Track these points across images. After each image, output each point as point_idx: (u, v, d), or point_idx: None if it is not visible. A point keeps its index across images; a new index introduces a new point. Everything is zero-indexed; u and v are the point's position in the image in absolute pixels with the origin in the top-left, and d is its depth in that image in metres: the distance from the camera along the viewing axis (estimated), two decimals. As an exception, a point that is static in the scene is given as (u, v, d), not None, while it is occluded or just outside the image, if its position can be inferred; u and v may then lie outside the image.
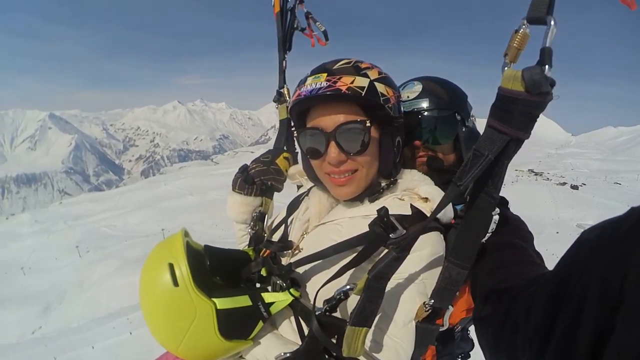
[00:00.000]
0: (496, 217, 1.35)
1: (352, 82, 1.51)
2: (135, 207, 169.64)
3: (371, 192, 1.70)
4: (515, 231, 1.74)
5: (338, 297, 1.42)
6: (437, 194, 1.59)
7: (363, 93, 1.51)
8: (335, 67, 1.59)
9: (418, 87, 2.06)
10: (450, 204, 1.54)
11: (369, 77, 1.55)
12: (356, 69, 1.57)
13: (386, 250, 1.35)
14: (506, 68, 1.13)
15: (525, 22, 1.08)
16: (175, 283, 1.45)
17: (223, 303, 1.51)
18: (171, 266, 1.48)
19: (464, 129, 2.04)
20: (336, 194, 1.73)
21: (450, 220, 1.60)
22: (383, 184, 1.73)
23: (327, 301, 1.46)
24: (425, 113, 2.01)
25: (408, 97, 2.05)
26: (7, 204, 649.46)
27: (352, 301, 1.39)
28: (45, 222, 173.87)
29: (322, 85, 1.53)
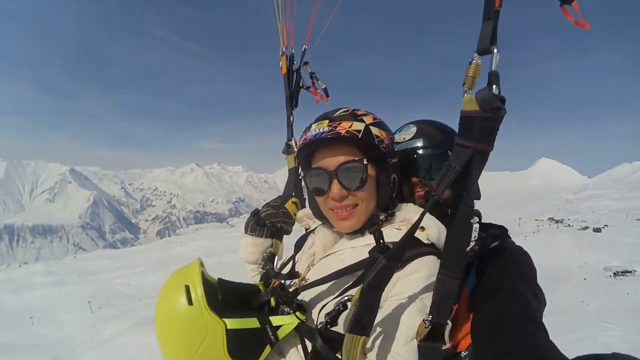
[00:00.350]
0: (476, 226, 1.41)
1: (350, 127, 1.72)
2: (150, 267, 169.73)
3: (371, 224, 1.79)
4: (516, 266, 1.79)
5: (337, 308, 1.53)
6: (432, 223, 1.71)
7: (360, 135, 1.71)
8: (335, 114, 1.81)
9: (413, 129, 2.24)
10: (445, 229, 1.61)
11: (364, 122, 1.76)
12: (353, 116, 1.79)
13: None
14: (465, 95, 1.31)
15: (476, 54, 1.26)
16: (190, 302, 1.53)
17: (233, 323, 1.58)
18: (187, 288, 1.56)
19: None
20: (339, 227, 1.89)
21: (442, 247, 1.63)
22: (382, 217, 1.87)
23: (327, 314, 1.56)
24: (420, 151, 2.18)
25: (404, 138, 2.23)
26: (21, 252, 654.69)
27: (351, 315, 1.47)
28: (59, 274, 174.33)
29: (324, 130, 1.74)
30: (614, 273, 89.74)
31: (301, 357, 1.72)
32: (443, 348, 1.48)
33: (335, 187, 1.77)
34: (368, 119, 1.79)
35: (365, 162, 1.74)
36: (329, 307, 1.59)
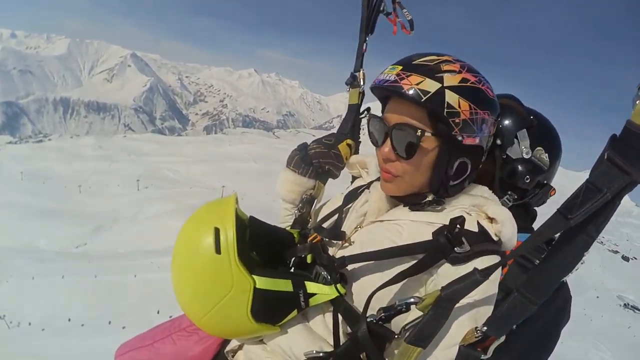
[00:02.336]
0: (585, 258, 1.26)
1: (417, 84, 1.38)
2: (199, 158, 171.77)
3: (412, 202, 1.59)
4: (563, 308, 1.93)
5: (399, 308, 1.34)
6: (506, 217, 1.49)
7: (424, 98, 1.37)
8: (415, 61, 1.47)
9: None
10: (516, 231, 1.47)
11: (442, 83, 1.38)
12: (433, 70, 1.42)
13: (446, 263, 1.36)
14: (638, 101, 0.96)
15: None
16: (218, 250, 1.36)
17: (263, 283, 1.42)
18: (217, 231, 1.38)
19: (504, 156, 2.04)
20: (381, 186, 1.65)
21: (511, 248, 1.52)
22: (427, 199, 1.58)
23: (384, 309, 1.37)
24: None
25: None
26: (73, 124, 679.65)
27: (409, 315, 1.35)
28: (109, 149, 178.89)
29: (390, 78, 1.45)
30: (625, 304, 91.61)
31: (327, 326, 1.56)
32: (483, 358, 1.37)
33: (387, 146, 1.52)
34: (451, 80, 1.39)
35: (419, 133, 1.42)
36: (383, 297, 1.41)
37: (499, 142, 1.99)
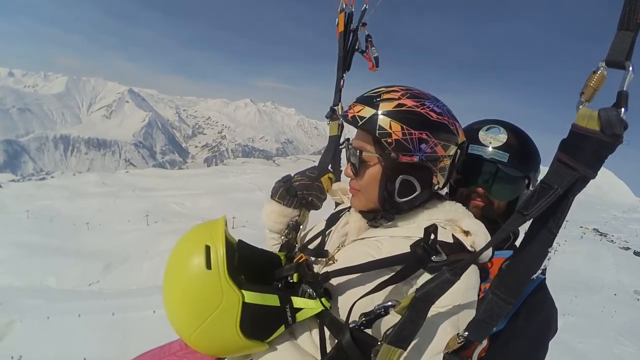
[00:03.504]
0: (550, 254, 1.32)
1: (358, 111, 1.59)
2: (204, 191, 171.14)
3: (371, 217, 1.76)
4: (548, 320, 2.02)
5: (379, 312, 1.40)
6: (479, 230, 1.59)
7: (360, 122, 1.57)
8: (366, 94, 1.66)
9: (503, 137, 2.15)
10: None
11: (376, 109, 1.56)
12: (372, 98, 1.61)
13: (425, 273, 1.41)
14: (581, 106, 1.12)
15: (603, 64, 1.08)
16: (209, 266, 1.41)
17: (251, 297, 1.45)
18: (208, 248, 1.43)
19: (525, 192, 2.19)
20: (350, 201, 1.85)
21: (487, 259, 1.60)
22: (379, 215, 1.74)
23: (365, 315, 1.43)
24: (502, 167, 2.12)
25: (490, 142, 2.15)
26: (74, 161, 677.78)
27: (389, 320, 1.39)
28: (113, 186, 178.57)
29: (345, 109, 1.68)
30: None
31: (314, 342, 1.61)
32: None
33: (349, 165, 1.74)
34: (386, 106, 1.56)
35: (358, 152, 1.65)
36: (365, 305, 1.45)
37: (527, 181, 2.19)
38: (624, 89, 1.04)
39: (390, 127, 1.53)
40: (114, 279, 70.83)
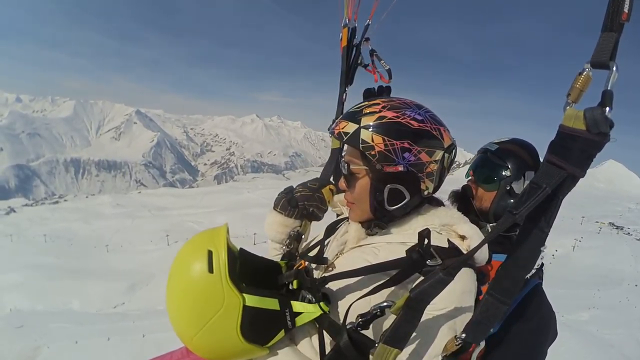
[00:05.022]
0: (543, 253, 1.38)
1: (343, 128, 1.64)
2: (221, 208, 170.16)
3: (367, 227, 1.81)
4: (545, 325, 2.06)
5: (374, 312, 1.41)
6: (475, 234, 1.62)
7: (344, 138, 1.62)
8: (350, 110, 1.72)
9: (505, 139, 2.42)
10: (487, 247, 1.56)
11: (359, 124, 1.61)
12: (354, 114, 1.66)
13: (421, 278, 1.37)
14: (568, 107, 1.16)
15: (588, 65, 1.10)
16: (211, 270, 1.44)
17: (252, 300, 1.48)
18: (210, 253, 1.47)
19: (507, 187, 2.30)
20: (348, 214, 1.90)
21: (483, 262, 1.62)
22: (373, 224, 1.80)
23: (361, 316, 1.44)
24: (489, 154, 2.37)
25: (494, 140, 2.43)
26: (86, 183, 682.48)
27: (385, 322, 1.45)
28: (127, 207, 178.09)
29: (332, 125, 1.73)
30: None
31: (313, 347, 1.63)
32: None
33: (343, 179, 1.80)
34: (367, 120, 1.62)
35: (347, 165, 1.71)
36: (362, 307, 1.47)
37: (508, 173, 2.30)
38: (609, 88, 1.07)
39: (372, 140, 1.58)
40: (140, 300, 69.48)
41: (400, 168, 1.61)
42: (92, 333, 47.53)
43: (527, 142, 2.38)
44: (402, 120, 1.60)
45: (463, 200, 2.46)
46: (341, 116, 1.71)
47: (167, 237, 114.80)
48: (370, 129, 1.59)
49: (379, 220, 1.76)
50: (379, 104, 1.65)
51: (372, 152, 1.59)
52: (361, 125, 1.60)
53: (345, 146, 1.78)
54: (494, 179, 2.33)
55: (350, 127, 1.61)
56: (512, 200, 2.28)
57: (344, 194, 1.89)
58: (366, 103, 1.68)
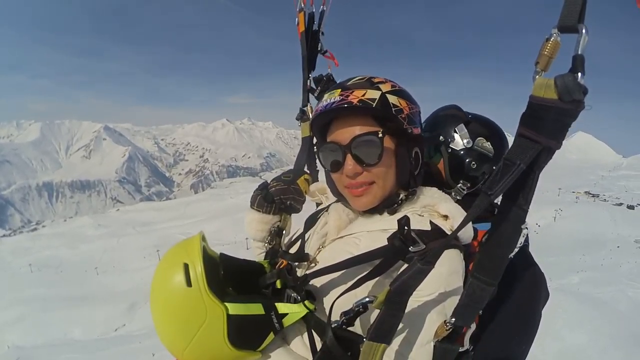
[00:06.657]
0: (525, 231, 1.31)
1: (363, 95, 1.56)
2: (208, 216, 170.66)
3: (389, 204, 1.70)
4: (535, 286, 2.10)
5: (357, 309, 1.39)
6: (457, 212, 1.59)
7: (374, 104, 1.55)
8: (348, 83, 1.66)
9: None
10: (471, 223, 1.52)
11: (380, 90, 1.59)
12: (369, 83, 1.63)
13: (405, 265, 1.38)
14: (537, 77, 1.09)
15: (556, 30, 1.04)
16: (189, 283, 1.41)
17: (235, 309, 1.46)
18: (186, 266, 1.44)
19: (449, 151, 2.33)
20: (355, 204, 1.74)
21: (469, 240, 1.61)
22: (402, 196, 1.72)
23: (344, 313, 1.42)
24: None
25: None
26: (61, 207, 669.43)
27: (371, 315, 1.41)
28: (110, 226, 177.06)
29: (335, 99, 1.59)
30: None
31: (306, 346, 1.60)
32: (460, 350, 1.43)
33: (349, 162, 1.63)
34: (385, 87, 1.62)
35: (380, 135, 1.59)
36: (345, 304, 1.43)
37: (442, 138, 2.33)
38: (579, 52, 1.01)
39: (400, 104, 1.59)
40: (141, 319, 69.39)
41: (419, 130, 1.67)
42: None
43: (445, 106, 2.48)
44: (405, 89, 1.69)
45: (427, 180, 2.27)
46: (347, 89, 1.62)
47: (157, 252, 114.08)
48: (395, 94, 1.60)
49: (410, 189, 1.72)
50: (373, 76, 1.68)
51: (402, 115, 1.58)
52: (383, 91, 1.59)
53: (335, 126, 1.70)
54: (433, 151, 2.37)
55: (374, 94, 1.57)
56: (465, 157, 2.29)
57: (325, 182, 1.92)
58: (365, 76, 1.69)
